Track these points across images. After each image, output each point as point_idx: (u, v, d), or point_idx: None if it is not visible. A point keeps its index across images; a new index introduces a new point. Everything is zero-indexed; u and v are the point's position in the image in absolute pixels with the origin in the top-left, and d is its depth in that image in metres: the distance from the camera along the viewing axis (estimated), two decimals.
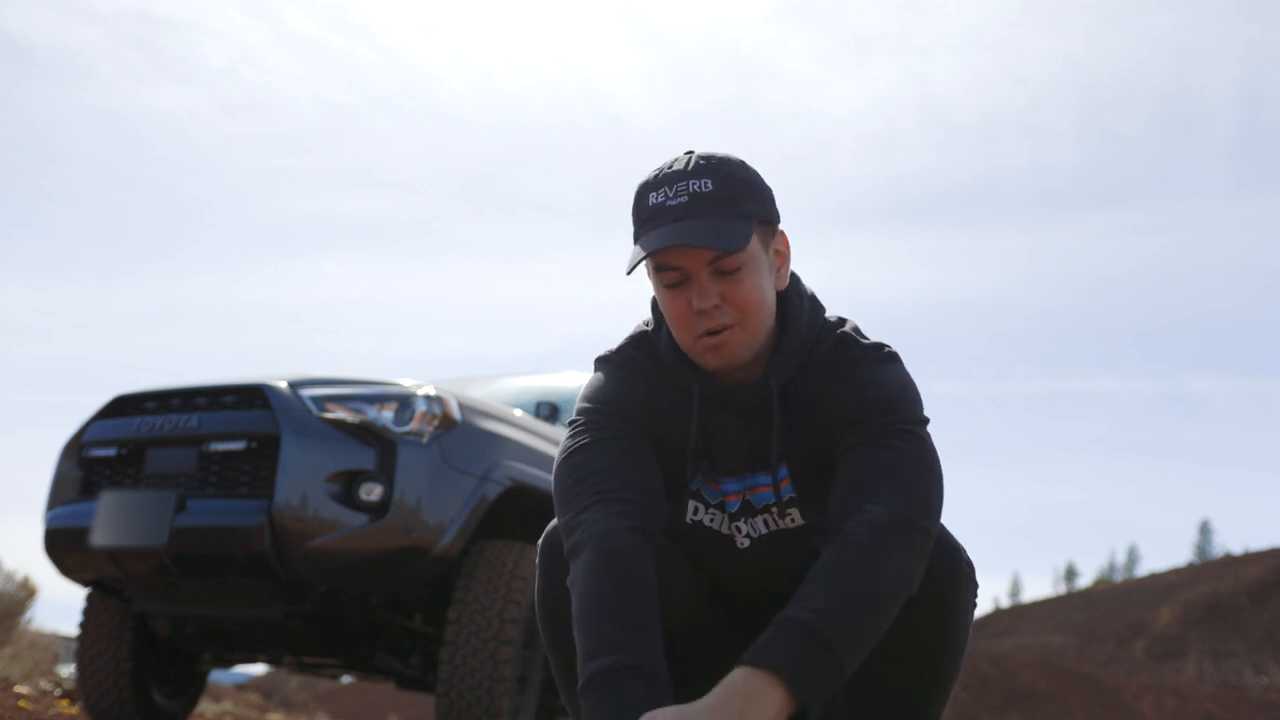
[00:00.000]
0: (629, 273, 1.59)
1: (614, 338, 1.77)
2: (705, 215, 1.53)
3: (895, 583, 1.43)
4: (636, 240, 1.60)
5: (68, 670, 8.02)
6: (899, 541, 1.45)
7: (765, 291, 1.60)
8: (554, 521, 1.65)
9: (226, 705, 8.33)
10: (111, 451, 3.77)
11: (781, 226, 1.67)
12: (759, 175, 1.62)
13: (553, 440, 4.07)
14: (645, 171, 1.63)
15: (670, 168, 1.59)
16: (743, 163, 1.61)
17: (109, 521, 3.58)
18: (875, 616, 1.41)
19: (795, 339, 1.64)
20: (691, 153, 1.61)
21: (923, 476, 1.53)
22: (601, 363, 1.74)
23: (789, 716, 1.33)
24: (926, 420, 1.60)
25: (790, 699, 1.30)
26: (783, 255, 1.67)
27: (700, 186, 1.55)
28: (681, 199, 1.55)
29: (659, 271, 1.59)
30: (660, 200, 1.56)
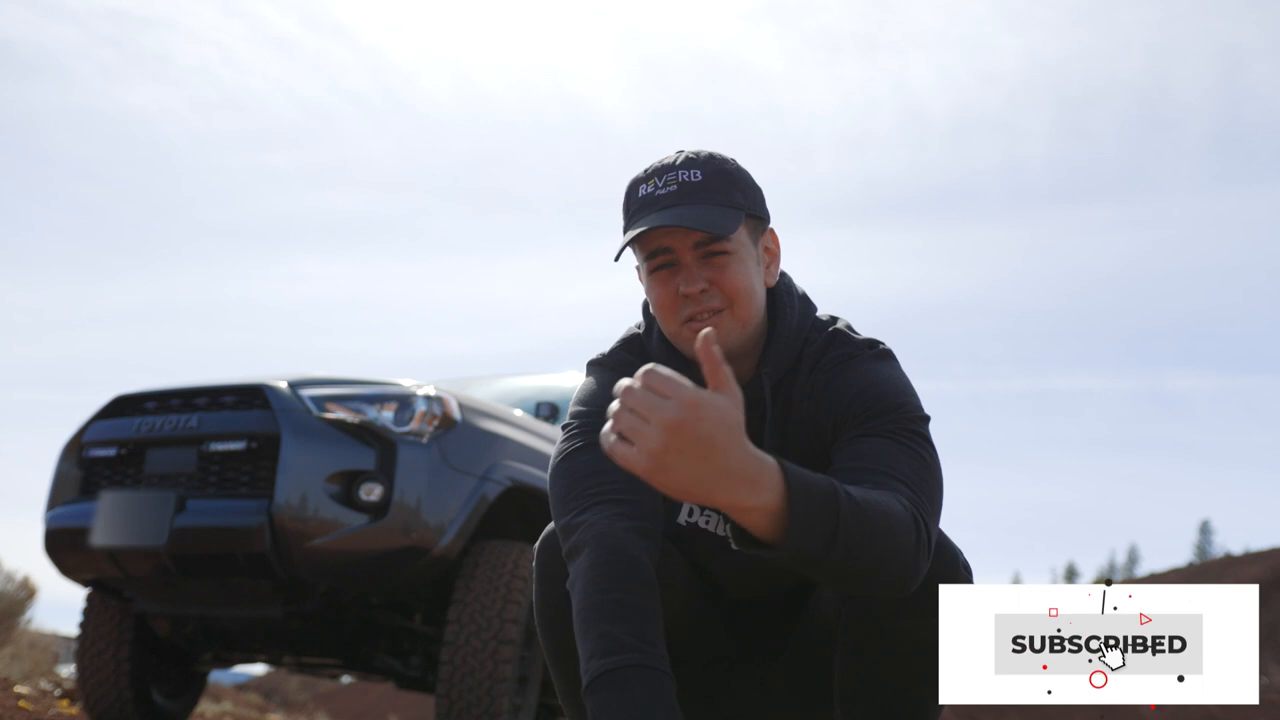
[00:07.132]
0: (616, 258, 1.63)
1: (595, 337, 1.83)
2: (693, 202, 1.58)
3: (908, 549, 1.37)
4: (625, 231, 1.63)
5: (68, 670, 8.02)
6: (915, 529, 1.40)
7: (753, 281, 1.63)
8: (550, 526, 1.65)
9: (226, 705, 8.33)
10: (111, 451, 3.77)
11: (771, 226, 1.70)
12: (748, 173, 1.67)
13: (552, 440, 4.07)
14: (625, 169, 1.68)
15: (660, 163, 1.64)
16: (733, 160, 1.65)
17: (109, 521, 3.58)
18: (882, 544, 1.34)
19: (786, 335, 1.66)
20: (682, 151, 1.65)
21: (928, 476, 1.51)
22: (593, 366, 1.76)
23: (765, 531, 1.23)
24: (928, 418, 1.59)
25: (780, 516, 1.20)
26: (772, 252, 1.70)
27: (689, 176, 1.60)
28: (670, 188, 1.59)
29: (648, 259, 1.62)
30: (650, 190, 1.61)
